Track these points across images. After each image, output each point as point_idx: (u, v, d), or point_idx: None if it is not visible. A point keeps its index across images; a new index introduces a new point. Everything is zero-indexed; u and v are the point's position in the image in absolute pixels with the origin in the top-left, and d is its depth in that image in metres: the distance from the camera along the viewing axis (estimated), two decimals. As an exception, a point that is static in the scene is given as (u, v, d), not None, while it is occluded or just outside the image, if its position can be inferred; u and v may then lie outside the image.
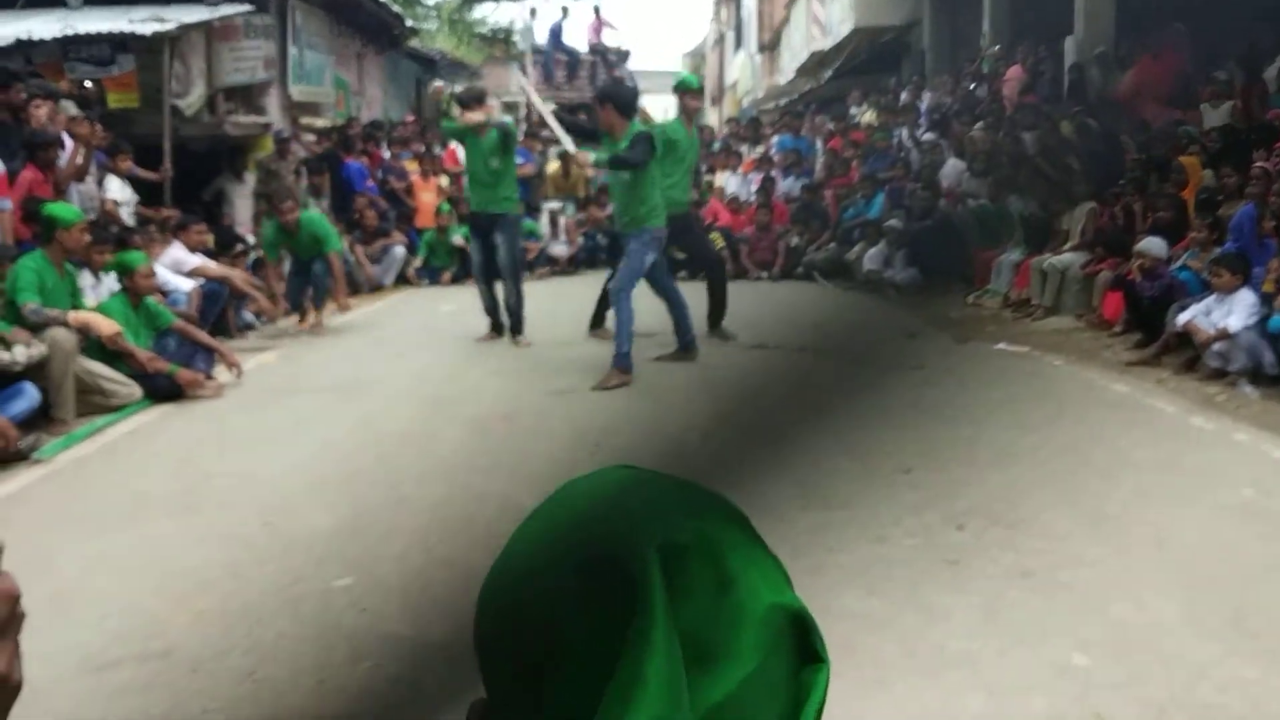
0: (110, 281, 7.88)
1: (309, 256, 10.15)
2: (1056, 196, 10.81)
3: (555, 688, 0.73)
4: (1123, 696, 3.02)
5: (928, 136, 14.51)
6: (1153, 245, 8.51)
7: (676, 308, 8.13)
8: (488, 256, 9.18)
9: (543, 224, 15.30)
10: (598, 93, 8.57)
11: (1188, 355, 7.59)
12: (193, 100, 11.98)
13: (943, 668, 3.23)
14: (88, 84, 10.83)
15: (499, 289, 9.23)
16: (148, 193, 10.89)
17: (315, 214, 10.66)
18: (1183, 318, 7.59)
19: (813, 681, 0.76)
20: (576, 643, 0.72)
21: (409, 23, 20.06)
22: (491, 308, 9.29)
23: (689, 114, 8.97)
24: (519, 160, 10.45)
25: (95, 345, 6.97)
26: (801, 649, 0.76)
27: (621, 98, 7.82)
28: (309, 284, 10.28)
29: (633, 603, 0.71)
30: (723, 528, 0.77)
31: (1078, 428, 6.15)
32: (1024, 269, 10.76)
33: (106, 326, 7.04)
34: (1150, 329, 8.22)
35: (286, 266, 10.69)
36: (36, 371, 6.40)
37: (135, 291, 7.50)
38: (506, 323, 9.16)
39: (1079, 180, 10.68)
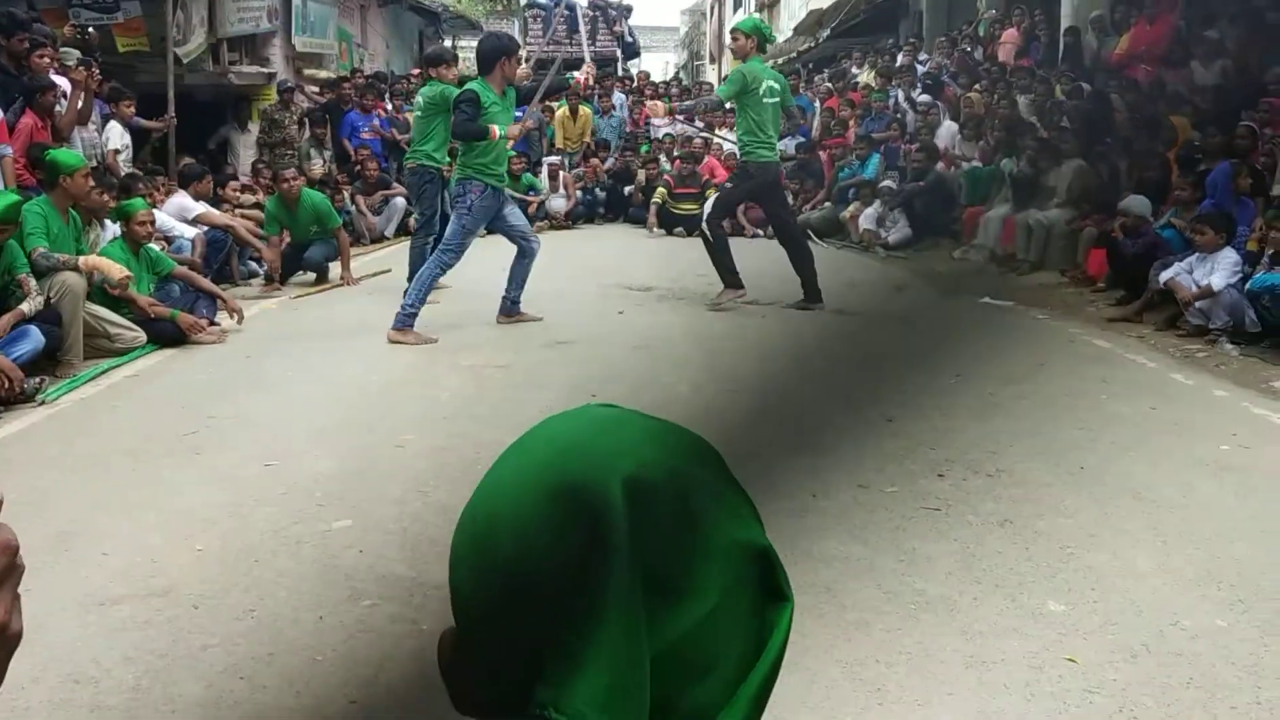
0: (111, 229, 7.83)
1: (306, 237, 9.82)
2: (1045, 155, 10.75)
3: (524, 616, 0.72)
4: (1096, 643, 3.04)
5: (924, 98, 14.38)
6: (1136, 203, 8.48)
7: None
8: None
9: (542, 179, 15.20)
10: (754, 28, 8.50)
11: (1169, 312, 7.58)
12: (191, 48, 11.84)
13: (921, 611, 3.25)
14: (90, 30, 10.69)
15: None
16: (151, 142, 10.81)
17: (316, 193, 10.30)
18: (1165, 275, 7.58)
19: (776, 618, 0.76)
20: (544, 571, 0.72)
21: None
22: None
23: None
24: (517, 115, 10.32)
25: (99, 291, 6.94)
26: (766, 586, 0.76)
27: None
28: (300, 265, 9.98)
29: (597, 534, 0.70)
30: (692, 465, 0.77)
31: (1059, 381, 6.15)
32: (1010, 225, 10.72)
33: (116, 270, 7.01)
34: (1133, 286, 8.20)
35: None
36: (41, 314, 6.37)
37: (134, 238, 7.46)
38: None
39: (1068, 138, 10.61)
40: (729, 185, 8.96)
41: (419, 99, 9.09)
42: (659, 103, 8.13)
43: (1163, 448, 4.86)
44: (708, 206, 8.99)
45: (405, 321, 7.24)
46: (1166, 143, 9.43)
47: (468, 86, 7.53)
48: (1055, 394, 5.84)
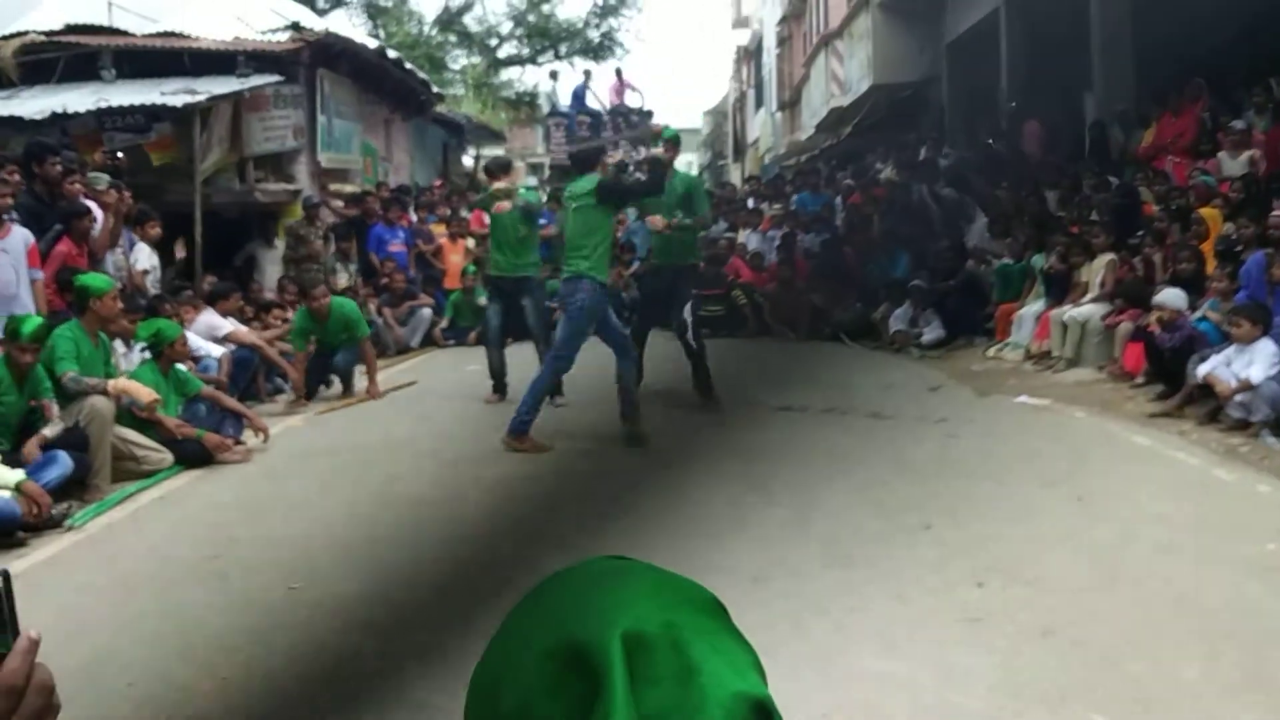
0: (137, 352, 8.00)
1: (336, 343, 9.92)
2: (1076, 249, 10.82)
3: None
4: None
5: (947, 192, 14.56)
6: (1172, 296, 8.50)
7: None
8: (507, 320, 9.28)
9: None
10: (669, 137, 8.65)
11: (1210, 406, 7.54)
12: (209, 165, 12.17)
13: (963, 730, 3.22)
14: (120, 155, 11.05)
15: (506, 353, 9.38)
16: (176, 263, 11.08)
17: (346, 300, 10.42)
18: (1203, 369, 7.56)
19: None
20: None
21: (435, 89, 20.37)
22: (500, 371, 9.33)
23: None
24: (542, 222, 10.55)
25: (126, 412, 7.07)
26: None
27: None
28: (328, 372, 10.07)
29: (597, 688, 0.74)
30: (690, 617, 0.81)
31: (1099, 481, 6.12)
32: (1044, 321, 10.75)
33: (145, 394, 7.16)
34: (1172, 380, 8.18)
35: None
36: (69, 439, 6.50)
37: (168, 359, 7.62)
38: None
39: (1098, 233, 10.69)
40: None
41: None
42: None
43: (1206, 548, 4.82)
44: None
45: (521, 428, 7.28)
46: (1198, 235, 9.49)
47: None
48: (1094, 494, 5.81)
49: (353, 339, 9.92)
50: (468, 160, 19.77)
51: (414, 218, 15.51)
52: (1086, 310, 10.22)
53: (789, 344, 12.97)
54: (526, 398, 7.38)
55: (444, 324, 13.98)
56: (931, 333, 12.26)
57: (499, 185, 9.22)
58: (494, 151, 24.46)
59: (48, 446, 6.38)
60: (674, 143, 8.56)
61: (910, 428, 7.91)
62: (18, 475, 5.81)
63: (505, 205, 9.21)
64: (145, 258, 10.04)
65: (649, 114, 27.82)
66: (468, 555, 5.02)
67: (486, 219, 9.90)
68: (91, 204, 9.05)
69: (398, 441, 7.77)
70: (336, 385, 10.20)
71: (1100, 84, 13.90)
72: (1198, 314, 8.50)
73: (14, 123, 10.80)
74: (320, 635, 4.10)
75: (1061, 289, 10.92)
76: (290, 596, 4.58)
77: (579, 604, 0.81)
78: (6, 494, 5.74)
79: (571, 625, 0.79)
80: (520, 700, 0.78)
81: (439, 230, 15.30)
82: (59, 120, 11.01)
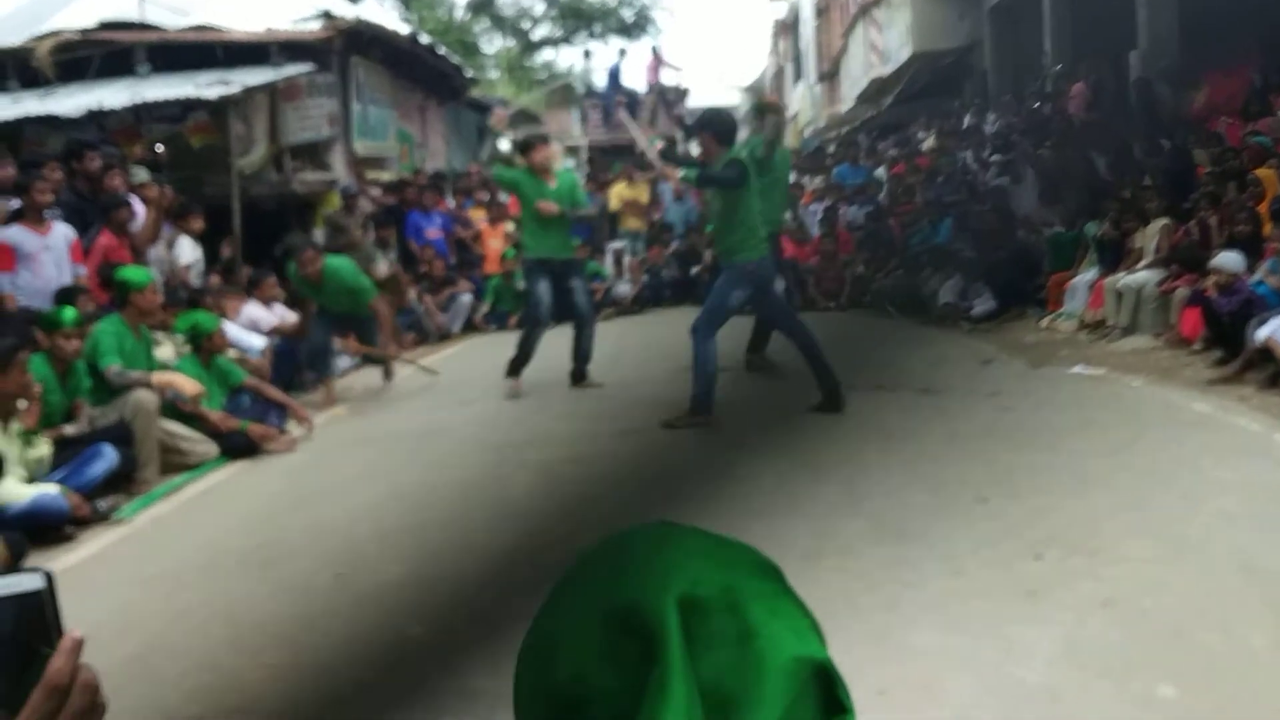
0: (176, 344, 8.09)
1: (342, 310, 9.30)
2: (1129, 214, 10.64)
3: None
4: (1213, 728, 2.94)
5: (995, 158, 14.39)
6: (1228, 260, 8.34)
7: (805, 348, 7.48)
8: (559, 300, 8.96)
9: (607, 264, 15.41)
10: (697, 120, 8.14)
11: (1270, 370, 7.40)
12: (254, 159, 12.27)
13: (1024, 702, 3.17)
14: (159, 148, 11.15)
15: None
16: (221, 260, 11.18)
17: (343, 262, 9.44)
18: (1262, 332, 7.42)
19: None
20: (603, 695, 0.74)
21: (469, 73, 20.39)
22: (532, 353, 9.00)
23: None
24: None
25: (170, 405, 7.14)
26: (827, 700, 0.77)
27: (720, 124, 7.54)
28: (328, 354, 9.45)
29: (652, 653, 0.72)
30: (747, 581, 0.78)
31: (1158, 450, 6.02)
32: (1098, 290, 10.58)
33: (190, 386, 7.24)
34: (1231, 345, 8.03)
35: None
36: (113, 433, 6.58)
37: (207, 351, 7.69)
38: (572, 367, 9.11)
39: (1151, 197, 10.51)
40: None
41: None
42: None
43: (1271, 515, 4.71)
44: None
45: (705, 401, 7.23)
46: (1254, 197, 9.29)
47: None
48: (1155, 464, 5.71)
49: (359, 304, 9.24)
50: (504, 145, 19.78)
51: (451, 203, 15.57)
52: (1141, 277, 10.05)
53: (831, 316, 12.86)
54: (698, 378, 7.23)
55: (485, 309, 14.03)
56: (982, 305, 12.10)
57: (538, 158, 8.99)
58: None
59: (83, 441, 6.45)
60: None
61: (962, 401, 7.82)
62: (33, 490, 5.85)
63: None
64: (188, 251, 10.13)
65: (685, 91, 27.71)
66: (515, 539, 5.02)
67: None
68: (133, 198, 9.15)
69: (441, 428, 7.78)
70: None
71: (1145, 42, 13.65)
72: (1256, 277, 8.33)
73: (51, 121, 10.92)
74: (369, 621, 4.12)
75: (1115, 256, 10.75)
76: (338, 583, 4.61)
77: (632, 569, 0.79)
78: (54, 490, 5.83)
79: (625, 590, 0.77)
80: (574, 669, 0.75)
81: (477, 214, 15.34)
82: (96, 117, 11.12)
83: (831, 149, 20.30)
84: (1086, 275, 11.07)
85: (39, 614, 0.82)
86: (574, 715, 0.75)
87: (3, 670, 0.81)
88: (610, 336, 11.21)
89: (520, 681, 0.81)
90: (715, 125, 7.55)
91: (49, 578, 0.83)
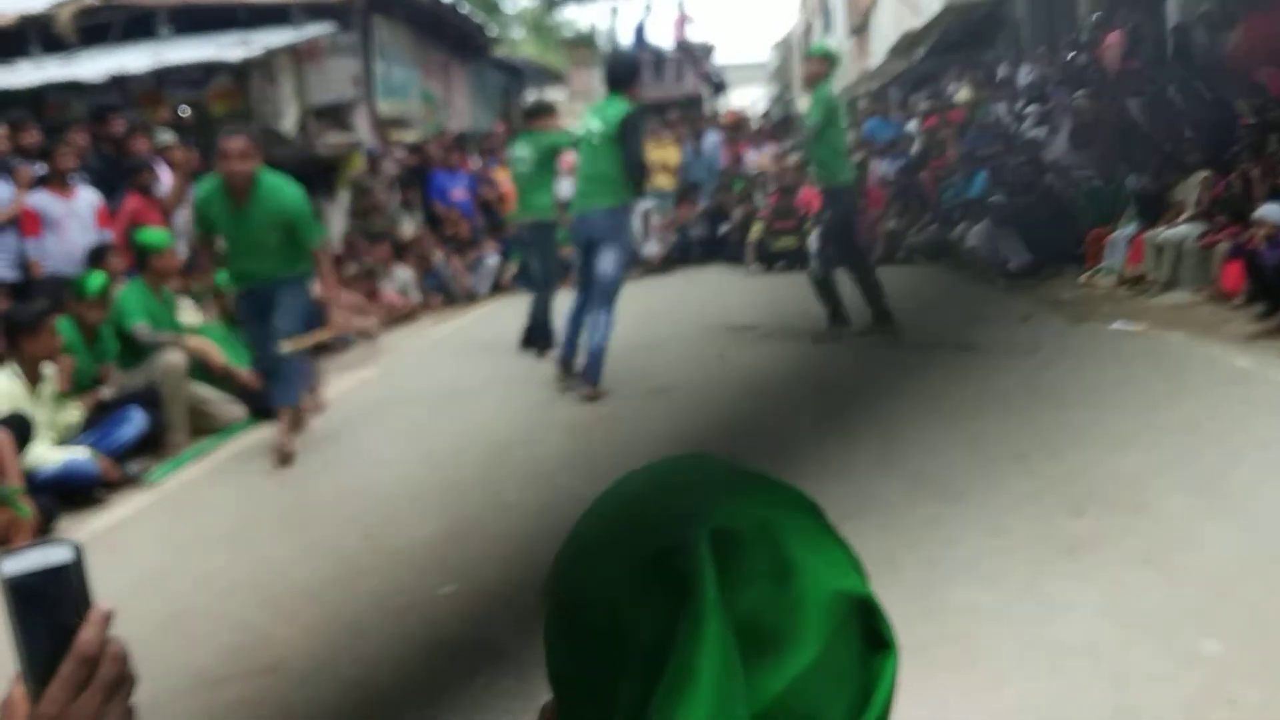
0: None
1: (268, 271, 6.21)
2: (1169, 167, 10.47)
3: (619, 681, 0.72)
4: (1259, 683, 2.91)
5: (1029, 109, 14.19)
6: (1273, 212, 8.20)
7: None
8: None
9: (634, 224, 15.34)
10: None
11: (1316, 324, 7.29)
12: (290, 122, 12.27)
13: (1065, 660, 3.14)
14: (184, 111, 11.16)
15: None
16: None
17: (286, 182, 6.29)
18: (1308, 286, 7.30)
19: (881, 668, 0.74)
20: (636, 633, 0.72)
21: (492, 32, 20.28)
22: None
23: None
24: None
25: (198, 367, 7.18)
26: (869, 636, 0.75)
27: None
28: (273, 341, 6.23)
29: (686, 589, 0.70)
30: (785, 515, 0.76)
31: (1199, 405, 5.94)
32: (1138, 244, 10.44)
33: (216, 354, 7.26)
34: (1274, 299, 7.91)
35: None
36: (142, 396, 6.63)
37: (226, 312, 7.73)
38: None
39: (1191, 149, 10.34)
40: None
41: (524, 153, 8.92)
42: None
43: (1317, 470, 4.65)
44: (812, 241, 9.07)
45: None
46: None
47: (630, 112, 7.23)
48: (1196, 420, 5.64)
49: (297, 252, 6.26)
50: (529, 95, 19.72)
51: (478, 164, 15.51)
52: (1182, 230, 9.90)
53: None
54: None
55: (513, 270, 14.00)
56: (1017, 258, 11.96)
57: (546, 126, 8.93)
58: (554, 94, 24.32)
59: (112, 405, 6.51)
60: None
61: (1001, 358, 7.75)
62: (63, 454, 5.91)
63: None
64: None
65: (711, 48, 27.50)
66: (546, 498, 5.03)
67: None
68: (159, 162, 9.17)
69: (469, 388, 7.79)
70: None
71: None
72: (1300, 228, 8.19)
73: (74, 87, 10.94)
74: (400, 581, 4.14)
75: (1155, 210, 10.59)
76: (367, 544, 4.63)
77: (661, 502, 0.76)
78: (84, 453, 5.88)
79: (656, 525, 0.74)
80: (605, 610, 0.73)
81: (502, 176, 15.30)
82: (118, 82, 11.13)
83: (862, 104, 20.10)
84: (1126, 230, 10.92)
85: (68, 586, 0.83)
86: (605, 654, 0.73)
87: (33, 643, 0.82)
88: (641, 296, 11.20)
89: (550, 629, 0.79)
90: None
91: (78, 550, 0.83)
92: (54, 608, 0.82)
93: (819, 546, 0.75)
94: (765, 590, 0.71)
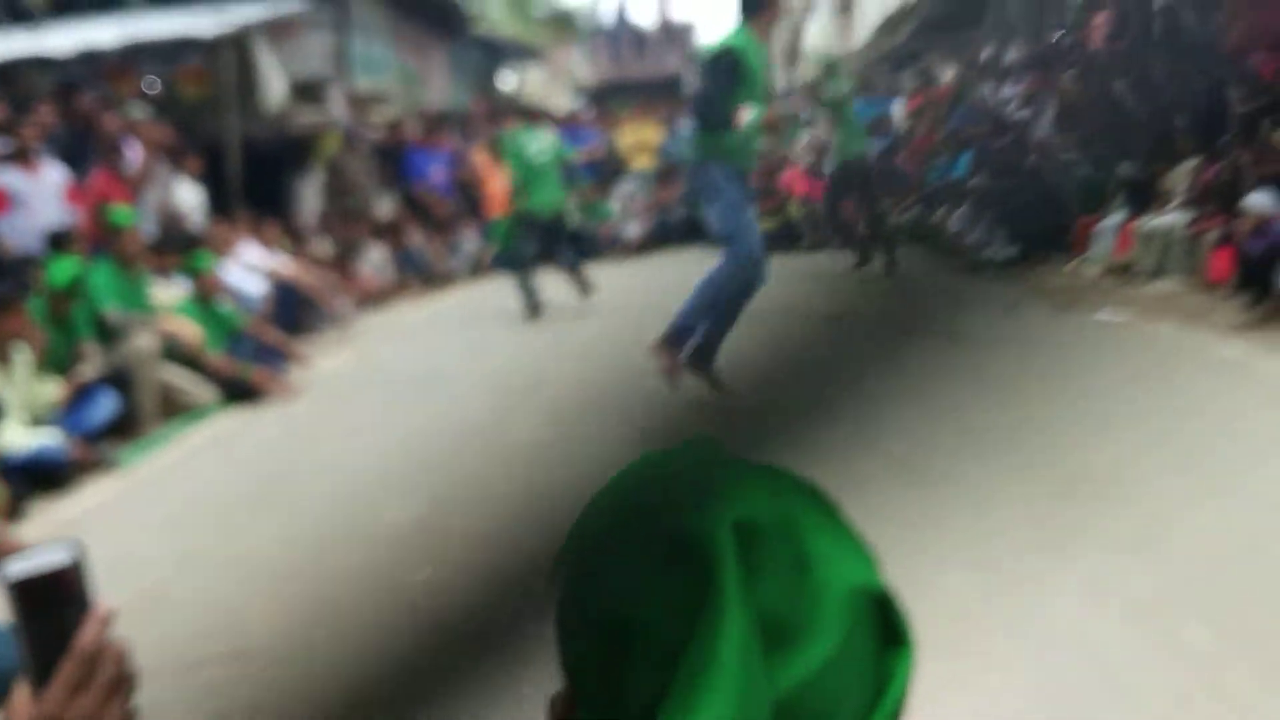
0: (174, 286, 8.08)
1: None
2: (1158, 154, 10.52)
3: (634, 670, 0.73)
4: (1246, 669, 2.95)
5: (1013, 90, 14.23)
6: (1258, 202, 8.27)
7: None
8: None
9: (614, 205, 15.31)
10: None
11: (1301, 313, 7.36)
12: (276, 99, 12.15)
13: (1052, 646, 3.18)
14: (153, 86, 11.06)
15: None
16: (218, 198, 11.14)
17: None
18: (1293, 275, 7.37)
19: (896, 664, 0.76)
20: (652, 622, 0.72)
21: (471, 9, 20.20)
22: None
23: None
24: (586, 144, 10.53)
25: (170, 349, 7.15)
26: (885, 631, 0.76)
27: None
28: None
29: (706, 580, 0.71)
30: (803, 508, 0.77)
31: (1186, 393, 6.00)
32: (1125, 233, 10.50)
33: (192, 334, 7.23)
34: (1262, 289, 7.98)
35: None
36: (114, 378, 6.59)
37: (204, 293, 7.69)
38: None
39: (1181, 135, 10.38)
40: None
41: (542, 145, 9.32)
42: None
43: (1303, 457, 4.70)
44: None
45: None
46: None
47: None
48: (1182, 406, 5.69)
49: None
50: (508, 82, 19.65)
51: (458, 143, 15.44)
52: (1170, 219, 9.96)
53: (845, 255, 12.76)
54: None
55: (491, 251, 13.93)
56: (1004, 250, 11.97)
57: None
58: (533, 72, 24.25)
59: (88, 387, 6.47)
60: None
61: (987, 345, 7.80)
62: (35, 435, 5.86)
63: None
64: (188, 194, 10.09)
65: (692, 28, 27.44)
66: (525, 481, 5.04)
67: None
68: (127, 138, 9.10)
69: (446, 371, 7.78)
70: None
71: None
72: (1286, 217, 8.26)
73: (42, 63, 10.82)
74: (377, 563, 4.14)
75: (1144, 198, 10.63)
76: (344, 526, 4.63)
77: (683, 491, 0.77)
78: (56, 436, 5.85)
79: (675, 515, 0.75)
80: (625, 596, 0.74)
81: (480, 157, 15.22)
82: (88, 58, 11.02)
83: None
84: (1114, 218, 10.97)
85: (69, 587, 0.85)
86: (622, 648, 0.73)
87: (33, 643, 0.84)
88: (619, 278, 11.20)
89: (564, 617, 0.79)
90: None
91: (79, 551, 0.86)
92: (55, 609, 0.84)
93: (837, 540, 0.77)
94: (785, 583, 0.72)
